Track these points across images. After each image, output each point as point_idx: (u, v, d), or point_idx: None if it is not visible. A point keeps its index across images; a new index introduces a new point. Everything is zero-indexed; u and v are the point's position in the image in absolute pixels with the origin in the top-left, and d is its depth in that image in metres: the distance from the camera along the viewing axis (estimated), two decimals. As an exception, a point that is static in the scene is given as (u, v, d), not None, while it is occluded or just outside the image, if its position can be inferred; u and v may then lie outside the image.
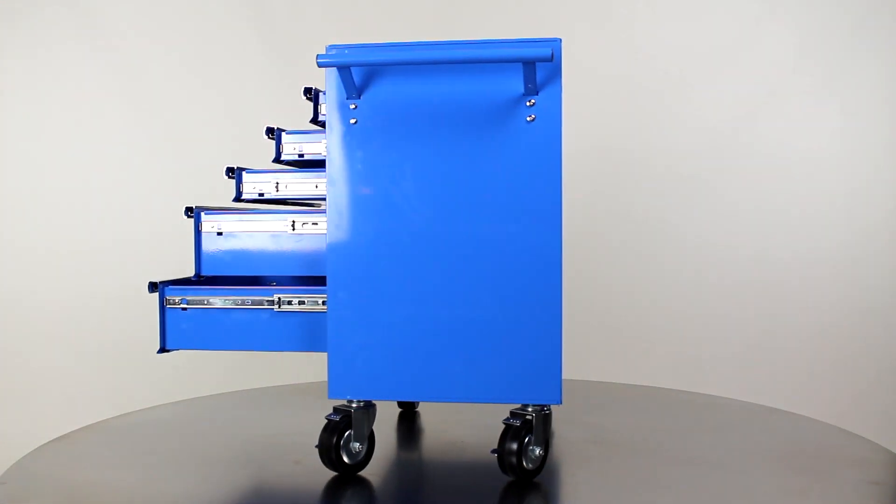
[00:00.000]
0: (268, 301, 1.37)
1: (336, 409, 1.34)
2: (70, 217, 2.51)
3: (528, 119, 1.26)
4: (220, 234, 1.39)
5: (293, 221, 1.37)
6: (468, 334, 1.28)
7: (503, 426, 1.30)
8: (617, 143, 2.46)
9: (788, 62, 2.51)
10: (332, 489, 1.30)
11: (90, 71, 2.51)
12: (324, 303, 1.35)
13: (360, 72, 1.28)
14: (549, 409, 1.32)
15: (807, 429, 1.62)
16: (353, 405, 1.33)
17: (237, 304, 1.38)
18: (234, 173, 1.41)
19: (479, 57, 1.21)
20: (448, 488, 1.33)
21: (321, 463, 1.41)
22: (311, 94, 1.38)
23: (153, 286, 1.39)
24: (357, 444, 1.33)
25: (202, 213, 1.39)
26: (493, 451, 1.32)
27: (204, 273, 1.39)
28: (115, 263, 2.48)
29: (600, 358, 2.33)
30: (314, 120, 1.38)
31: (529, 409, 1.31)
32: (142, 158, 2.53)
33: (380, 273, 1.30)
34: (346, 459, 1.32)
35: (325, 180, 1.36)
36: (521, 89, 1.26)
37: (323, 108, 1.36)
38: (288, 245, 1.38)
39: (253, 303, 1.38)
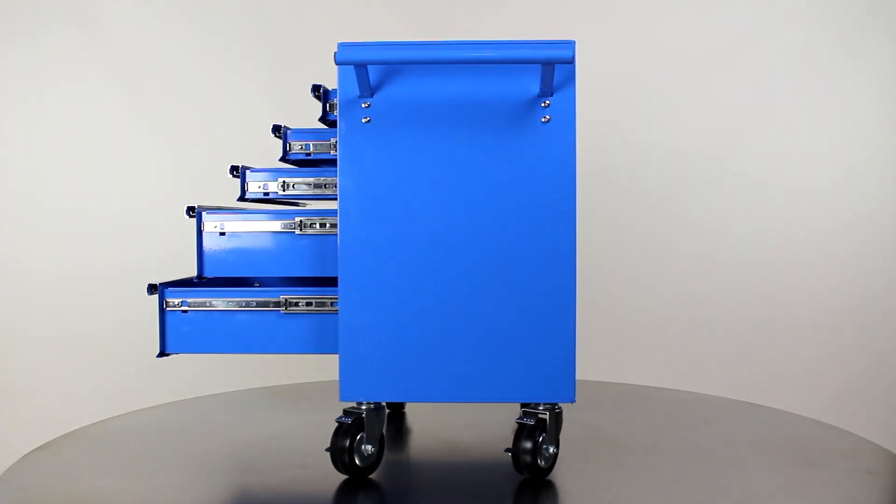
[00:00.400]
0: (274, 302, 1.34)
1: (346, 412, 1.32)
2: (71, 217, 2.47)
3: (544, 120, 1.27)
4: (222, 234, 1.36)
5: (300, 221, 1.34)
6: (481, 334, 1.28)
7: (516, 425, 1.31)
8: (614, 143, 2.45)
9: (792, 58, 2.49)
10: (344, 494, 1.28)
11: (90, 71, 2.47)
12: (332, 304, 1.33)
13: (374, 70, 1.26)
14: (559, 408, 1.33)
15: (796, 424, 1.67)
16: (363, 407, 1.32)
17: (242, 306, 1.34)
18: (238, 172, 1.37)
19: (501, 58, 1.21)
20: (459, 489, 1.33)
21: (327, 466, 1.39)
22: (320, 92, 1.35)
23: (152, 288, 1.35)
24: (369, 447, 1.31)
25: (204, 213, 1.35)
26: (507, 451, 1.32)
27: (206, 274, 1.35)
28: (115, 263, 2.45)
29: (599, 358, 2.30)
30: (323, 118, 1.35)
31: (541, 408, 1.32)
32: (143, 158, 2.51)
33: (392, 273, 1.28)
34: (358, 462, 1.31)
35: (333, 179, 1.35)
36: (536, 90, 1.27)
37: (332, 106, 1.34)
38: (294, 246, 1.35)
39: (258, 304, 1.35)
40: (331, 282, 1.38)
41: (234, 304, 1.34)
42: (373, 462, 1.33)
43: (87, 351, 2.45)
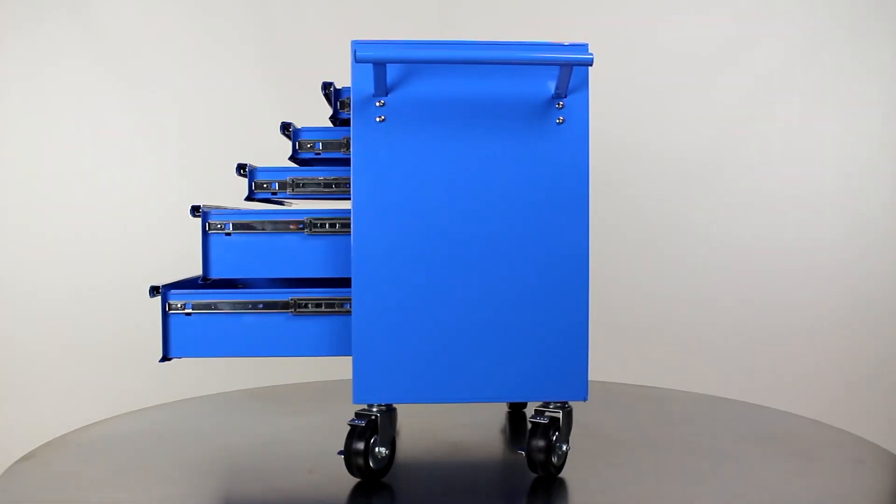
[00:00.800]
0: (282, 304, 1.31)
1: (358, 414, 1.30)
2: (72, 218, 2.41)
3: (558, 121, 1.28)
4: (228, 234, 1.32)
5: (309, 221, 1.32)
6: (495, 334, 1.29)
7: (530, 424, 1.32)
8: (614, 144, 2.42)
9: (786, 65, 2.48)
10: (358, 498, 1.26)
11: (91, 71, 2.42)
12: (342, 305, 1.31)
13: (389, 69, 1.25)
14: (570, 406, 1.35)
15: (791, 421, 1.72)
16: (374, 409, 1.30)
17: (249, 308, 1.31)
18: (245, 170, 1.33)
19: (524, 59, 1.21)
20: (473, 490, 1.33)
21: (336, 470, 1.37)
22: (330, 90, 1.33)
23: (154, 290, 1.30)
24: (383, 449, 1.30)
25: (210, 213, 1.31)
26: (520, 450, 1.33)
27: (212, 276, 1.31)
28: (115, 264, 2.41)
29: (599, 358, 2.26)
30: (334, 116, 1.33)
31: (551, 406, 1.33)
32: (143, 157, 2.46)
33: (407, 274, 1.27)
34: (372, 465, 1.29)
35: (343, 179, 1.33)
36: (550, 92, 1.28)
37: (342, 105, 1.32)
38: (303, 246, 1.32)
39: (266, 306, 1.31)
40: (340, 282, 1.36)
41: (240, 305, 1.31)
42: (385, 465, 1.31)
43: (88, 351, 2.40)
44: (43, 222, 2.40)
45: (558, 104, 1.28)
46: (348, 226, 1.30)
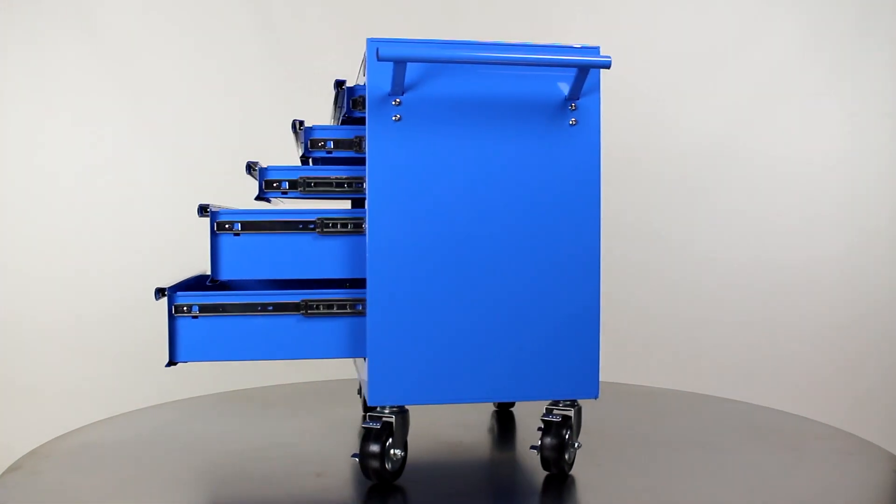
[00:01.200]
0: (293, 305, 1.29)
1: (371, 417, 1.29)
2: (72, 218, 2.37)
3: (571, 123, 1.30)
4: (237, 235, 1.28)
5: (321, 221, 1.29)
6: (508, 333, 1.29)
7: (542, 423, 1.33)
8: (614, 144, 2.34)
9: (786, 65, 2.47)
10: (373, 500, 1.25)
11: (91, 71, 2.38)
12: (353, 306, 1.29)
13: (410, 68, 1.24)
14: (579, 404, 1.36)
15: (769, 415, 1.79)
16: (387, 410, 1.29)
17: (258, 311, 1.28)
18: (255, 169, 1.30)
19: (544, 61, 1.22)
20: (487, 491, 1.33)
21: (345, 473, 1.36)
22: (343, 88, 1.30)
23: (160, 292, 1.26)
24: (398, 451, 1.29)
25: (219, 213, 1.27)
26: (533, 448, 1.34)
27: (221, 277, 1.27)
28: (116, 264, 2.38)
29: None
30: (347, 115, 1.31)
31: (560, 405, 1.34)
32: (144, 157, 2.42)
33: (422, 274, 1.27)
34: (388, 467, 1.28)
35: (355, 178, 1.31)
36: (563, 94, 1.29)
37: (354, 103, 1.30)
38: (314, 246, 1.30)
39: (276, 308, 1.29)
40: (352, 283, 1.35)
41: (249, 307, 1.28)
42: (399, 467, 1.30)
43: (88, 351, 2.36)
44: (43, 222, 2.35)
45: (571, 106, 1.30)
46: (360, 226, 1.29)
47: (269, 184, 1.30)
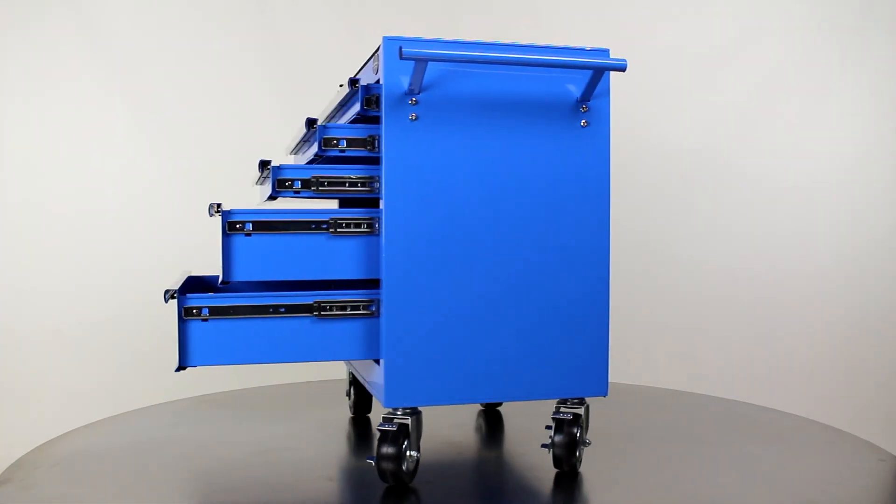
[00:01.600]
0: (306, 307, 1.26)
1: (385, 419, 1.27)
2: (72, 218, 2.32)
3: (582, 124, 1.31)
4: (248, 235, 1.25)
5: (333, 221, 1.27)
6: (522, 334, 1.30)
7: (553, 421, 1.34)
8: (615, 144, 2.30)
9: (786, 65, 2.43)
10: (390, 502, 1.24)
11: (90, 72, 2.33)
12: (367, 307, 1.28)
13: (429, 67, 1.23)
14: (587, 403, 1.38)
15: (768, 414, 1.83)
16: (399, 412, 1.28)
17: (270, 312, 1.25)
18: (267, 168, 1.27)
19: (563, 62, 1.23)
20: (500, 491, 1.34)
21: (354, 476, 1.34)
22: (357, 86, 1.28)
23: (170, 294, 1.21)
24: (414, 453, 1.28)
25: (232, 213, 1.23)
26: (544, 446, 1.35)
27: (233, 279, 1.24)
28: (116, 265, 2.33)
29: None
30: (361, 113, 1.28)
31: (568, 403, 1.36)
32: (146, 161, 2.39)
33: (437, 274, 1.26)
34: (404, 469, 1.27)
35: (369, 177, 1.29)
36: (575, 96, 1.30)
37: (368, 102, 1.27)
38: (327, 247, 1.28)
39: (288, 309, 1.26)
40: (366, 284, 1.33)
41: (261, 309, 1.25)
42: (414, 468, 1.29)
43: (88, 353, 2.31)
44: (43, 222, 2.30)
45: (583, 108, 1.31)
46: (373, 226, 1.28)
47: (281, 183, 1.27)
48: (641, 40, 2.49)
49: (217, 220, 1.26)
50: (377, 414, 1.77)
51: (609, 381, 1.35)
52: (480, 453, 1.52)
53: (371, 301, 1.28)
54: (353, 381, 1.75)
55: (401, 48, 1.17)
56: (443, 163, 1.26)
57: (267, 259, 1.25)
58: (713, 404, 1.92)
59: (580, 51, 1.30)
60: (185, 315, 1.22)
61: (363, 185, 1.29)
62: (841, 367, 2.37)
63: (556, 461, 1.35)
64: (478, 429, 1.69)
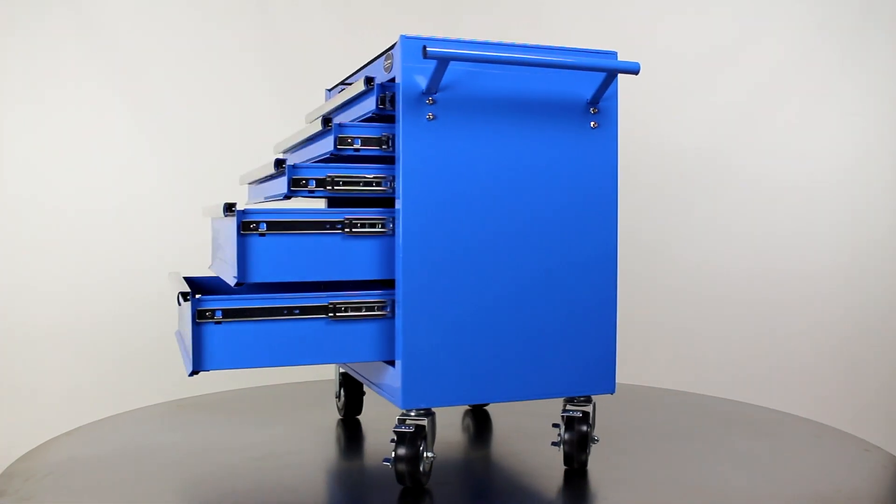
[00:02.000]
0: (321, 308, 1.24)
1: (401, 421, 1.26)
2: (72, 218, 2.29)
3: (592, 126, 1.33)
4: (263, 235, 1.22)
5: (349, 221, 1.25)
6: (535, 334, 1.31)
7: (564, 419, 1.35)
8: (621, 144, 2.27)
9: (786, 66, 2.42)
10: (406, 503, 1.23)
11: (90, 73, 2.30)
12: (381, 308, 1.27)
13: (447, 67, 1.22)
14: (594, 401, 1.40)
15: (768, 414, 1.87)
16: (413, 413, 1.27)
17: (284, 314, 1.22)
18: (282, 166, 1.24)
19: (580, 64, 1.24)
20: (511, 490, 1.34)
21: (367, 480, 1.33)
22: (373, 85, 1.26)
23: (184, 297, 1.17)
24: (431, 454, 1.27)
25: (247, 213, 1.20)
26: (554, 444, 1.36)
27: (251, 280, 1.21)
28: (116, 265, 2.30)
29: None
30: (377, 112, 1.27)
31: (576, 401, 1.37)
32: (146, 161, 2.36)
33: (452, 275, 1.26)
34: (421, 471, 1.26)
35: (384, 177, 1.28)
36: (585, 97, 1.32)
37: (382, 100, 1.26)
38: (342, 247, 1.26)
39: (303, 311, 1.24)
40: (376, 285, 1.31)
41: (276, 311, 1.22)
42: (429, 470, 1.29)
43: (88, 353, 2.27)
44: (43, 222, 2.25)
45: (592, 109, 1.33)
46: (387, 226, 1.27)
47: (296, 182, 1.24)
48: (641, 40, 2.49)
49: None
50: (367, 416, 1.75)
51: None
52: (480, 453, 1.52)
53: (385, 302, 1.27)
54: (344, 383, 1.73)
55: (425, 47, 1.16)
56: (459, 163, 1.26)
57: (283, 260, 1.23)
58: (713, 404, 1.95)
59: (594, 53, 1.32)
60: (198, 318, 1.19)
61: (377, 184, 1.28)
62: (841, 367, 2.37)
63: (567, 459, 1.36)
64: (465, 428, 1.69)
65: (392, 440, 1.26)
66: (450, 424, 1.69)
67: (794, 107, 2.42)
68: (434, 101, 1.24)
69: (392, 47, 1.28)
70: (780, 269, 2.42)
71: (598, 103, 1.33)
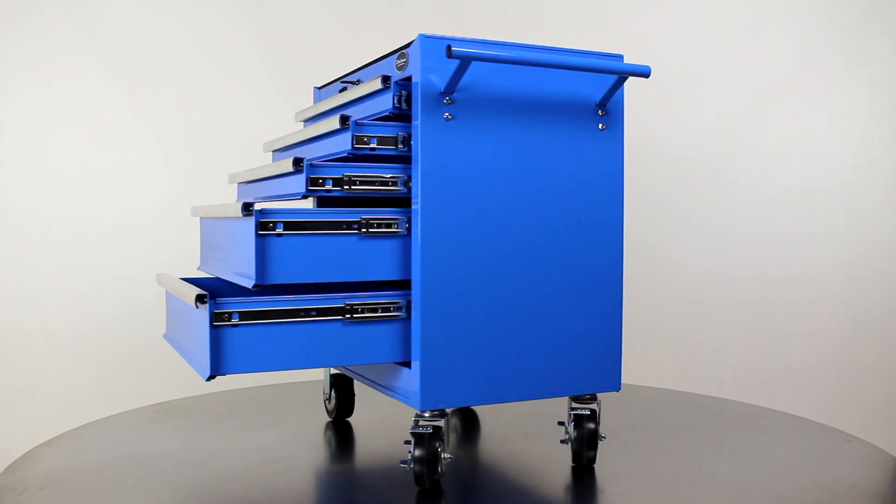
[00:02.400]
0: (338, 310, 1.22)
1: (417, 422, 1.25)
2: (71, 220, 2.26)
3: (600, 127, 1.35)
4: (280, 236, 1.19)
5: (365, 221, 1.24)
6: (544, 332, 1.32)
7: (573, 417, 1.37)
8: (626, 146, 2.20)
9: (783, 71, 2.42)
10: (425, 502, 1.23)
11: (90, 73, 2.28)
12: (397, 308, 1.26)
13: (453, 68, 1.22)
14: (599, 398, 1.42)
15: (768, 414, 1.91)
16: (427, 414, 1.26)
17: (301, 316, 1.20)
18: (301, 165, 1.21)
19: (595, 66, 1.26)
20: (516, 491, 1.35)
21: (379, 483, 1.32)
22: (389, 83, 1.25)
23: (200, 299, 1.14)
24: (448, 455, 1.27)
25: (265, 213, 1.17)
26: (563, 442, 1.38)
27: (270, 282, 1.18)
28: (115, 265, 2.27)
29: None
30: (393, 111, 1.25)
31: (581, 400, 1.39)
32: (143, 157, 2.33)
33: (469, 275, 1.26)
34: (439, 471, 1.25)
35: (400, 176, 1.27)
36: (594, 99, 1.34)
37: (399, 99, 1.25)
38: (360, 247, 1.24)
39: (319, 313, 1.21)
40: (391, 285, 1.30)
41: (292, 313, 1.19)
42: (445, 470, 1.28)
43: (88, 354, 2.24)
44: (41, 224, 2.23)
45: (601, 111, 1.35)
46: (404, 226, 1.25)
47: (314, 181, 1.22)
48: (641, 42, 2.49)
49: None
50: (358, 418, 1.73)
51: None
52: (480, 453, 1.53)
53: (401, 303, 1.26)
54: (335, 384, 1.71)
55: (450, 46, 1.16)
56: (475, 164, 1.26)
57: (302, 261, 1.21)
58: (714, 404, 1.97)
59: (604, 55, 1.34)
60: (215, 321, 1.15)
61: (393, 184, 1.27)
62: (843, 369, 2.37)
63: (576, 456, 1.38)
64: (454, 428, 1.70)
65: (407, 441, 1.25)
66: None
67: (797, 109, 2.41)
68: (452, 101, 1.24)
69: (406, 46, 1.27)
70: (781, 270, 2.43)
71: (606, 105, 1.35)
